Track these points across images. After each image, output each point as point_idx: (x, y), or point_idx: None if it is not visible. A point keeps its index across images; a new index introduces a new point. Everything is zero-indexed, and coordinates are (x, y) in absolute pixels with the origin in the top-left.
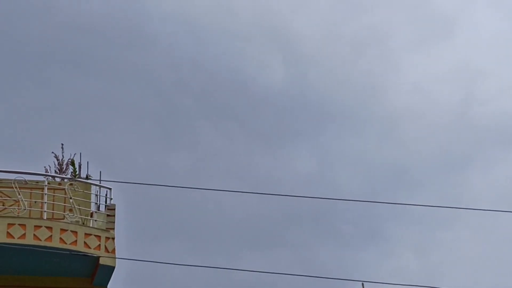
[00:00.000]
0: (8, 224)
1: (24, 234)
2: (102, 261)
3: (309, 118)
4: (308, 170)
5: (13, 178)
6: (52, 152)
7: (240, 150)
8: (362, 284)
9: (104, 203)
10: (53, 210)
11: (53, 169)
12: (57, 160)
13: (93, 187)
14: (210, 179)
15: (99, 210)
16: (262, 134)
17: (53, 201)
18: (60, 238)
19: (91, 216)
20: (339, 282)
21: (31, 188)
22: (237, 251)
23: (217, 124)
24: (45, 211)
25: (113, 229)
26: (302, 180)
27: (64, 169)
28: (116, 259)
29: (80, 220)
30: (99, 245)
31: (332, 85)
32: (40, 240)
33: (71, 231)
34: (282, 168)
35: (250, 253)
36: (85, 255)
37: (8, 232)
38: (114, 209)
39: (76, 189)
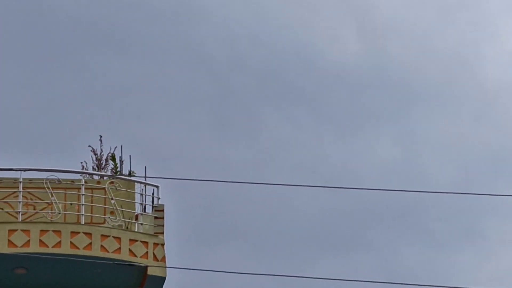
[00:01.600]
0: (41, 230)
1: (60, 242)
2: (150, 271)
3: (390, 98)
4: (390, 159)
5: (45, 177)
6: (89, 146)
7: (309, 138)
8: None
9: (150, 203)
10: (91, 213)
11: (90, 165)
12: (95, 155)
13: (137, 185)
14: (275, 173)
15: (145, 211)
16: (335, 118)
17: (92, 202)
18: (101, 246)
19: (136, 219)
20: None
21: (65, 188)
22: (308, 255)
23: (282, 109)
24: (82, 215)
25: (162, 233)
26: (383, 171)
27: (103, 165)
28: (167, 268)
29: (123, 224)
30: (147, 252)
31: (416, 58)
32: (78, 248)
33: (114, 237)
34: (359, 157)
35: (324, 258)
36: (130, 265)
37: (40, 240)
38: (163, 210)
39: (118, 188)
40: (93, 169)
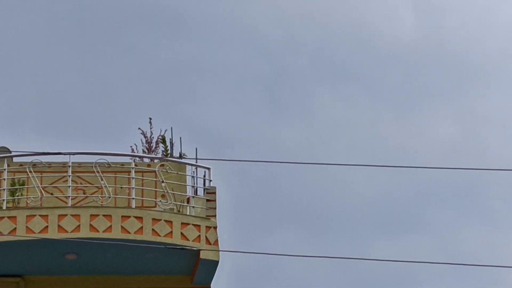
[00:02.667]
0: (91, 215)
1: (110, 227)
2: (203, 255)
3: (447, 75)
4: (449, 138)
5: (94, 161)
6: (139, 128)
7: (365, 118)
8: None
9: (202, 186)
10: (142, 197)
11: (140, 148)
12: (145, 137)
13: (188, 167)
14: (330, 153)
15: (196, 194)
16: (391, 97)
17: (142, 186)
18: (153, 230)
19: (188, 202)
20: (491, 271)
21: (115, 172)
22: (366, 237)
23: (336, 88)
24: (133, 199)
25: (215, 216)
26: (441, 150)
27: (153, 148)
28: (220, 252)
29: (175, 207)
30: (199, 236)
31: (474, 34)
32: (129, 233)
33: (165, 220)
34: (416, 136)
35: (381, 239)
36: (182, 249)
37: (91, 225)
38: (215, 193)
39: (168, 171)
40: (143, 152)
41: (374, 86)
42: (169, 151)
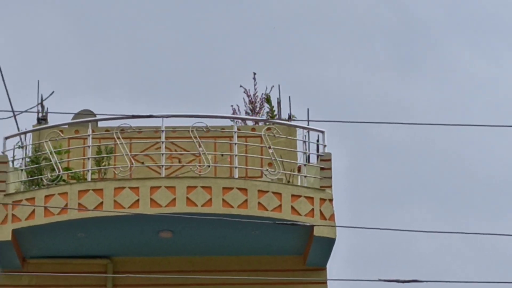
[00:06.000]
0: (188, 187)
1: (210, 200)
2: (317, 231)
3: None
4: None
5: (191, 124)
6: (241, 86)
7: (510, 75)
8: None
9: (315, 152)
10: (246, 165)
11: (242, 109)
12: (248, 96)
13: (299, 131)
14: (467, 117)
15: (309, 162)
16: None
17: (246, 153)
18: (259, 203)
19: (299, 171)
20: None
21: (215, 137)
22: (503, 211)
23: (476, 42)
24: (236, 168)
25: (330, 187)
26: None
27: (257, 109)
28: (337, 228)
29: (284, 177)
30: (312, 210)
31: None
32: (232, 207)
33: (273, 192)
34: None
35: None
36: (293, 225)
37: (188, 198)
38: (330, 160)
39: (276, 135)
40: (246, 113)
41: None
42: (276, 112)
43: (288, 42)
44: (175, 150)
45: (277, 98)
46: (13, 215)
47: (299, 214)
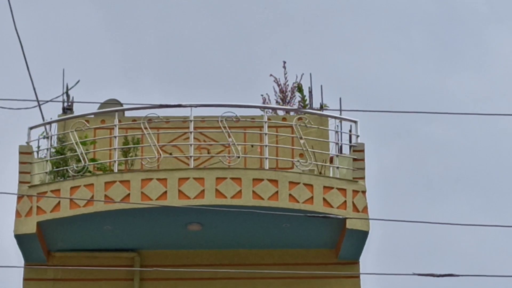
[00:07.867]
0: (217, 178)
1: (240, 192)
2: (350, 224)
3: None
4: None
5: (220, 114)
6: (271, 75)
7: None
8: None
9: (348, 142)
10: (277, 156)
11: (273, 98)
12: (278, 85)
13: (331, 121)
14: (508, 108)
15: (341, 153)
16: None
17: (277, 143)
18: (290, 195)
19: (331, 162)
20: None
21: (245, 127)
22: None
23: None
24: (266, 158)
25: (363, 178)
26: None
27: (288, 98)
28: (370, 221)
29: (316, 168)
30: (345, 202)
31: None
32: (262, 199)
33: (304, 184)
34: None
35: None
36: (325, 217)
37: (217, 190)
38: (363, 151)
39: (307, 125)
40: (277, 102)
41: None
42: (307, 102)
43: (320, 31)
44: (204, 141)
45: (309, 87)
46: (38, 207)
47: (331, 206)
